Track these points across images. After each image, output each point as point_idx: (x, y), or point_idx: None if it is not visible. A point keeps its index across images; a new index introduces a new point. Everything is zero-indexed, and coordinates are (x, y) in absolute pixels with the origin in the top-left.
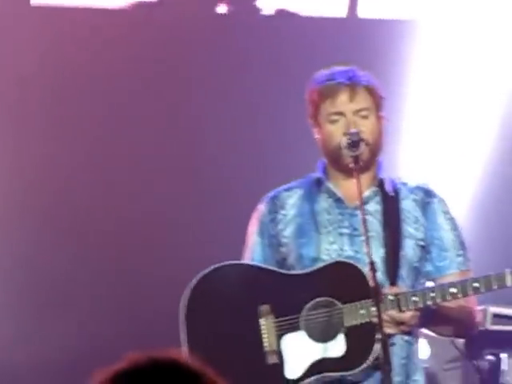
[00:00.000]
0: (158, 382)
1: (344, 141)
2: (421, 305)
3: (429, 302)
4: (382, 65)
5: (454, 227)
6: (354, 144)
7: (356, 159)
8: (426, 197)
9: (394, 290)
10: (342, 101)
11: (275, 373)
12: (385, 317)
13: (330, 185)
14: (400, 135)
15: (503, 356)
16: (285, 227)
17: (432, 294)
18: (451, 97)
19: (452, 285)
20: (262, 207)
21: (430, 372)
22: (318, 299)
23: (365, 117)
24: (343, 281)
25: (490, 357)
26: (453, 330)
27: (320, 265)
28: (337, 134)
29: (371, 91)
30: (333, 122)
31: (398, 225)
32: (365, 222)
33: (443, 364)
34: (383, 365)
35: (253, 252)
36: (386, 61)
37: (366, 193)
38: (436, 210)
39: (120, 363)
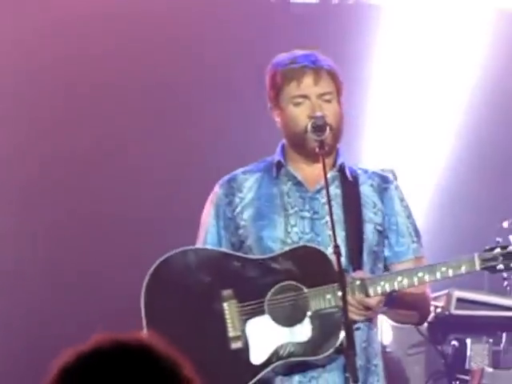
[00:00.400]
0: (121, 364)
1: (309, 124)
2: (388, 289)
3: (397, 287)
4: (347, 49)
5: (409, 214)
6: (320, 128)
7: (321, 144)
8: (383, 183)
9: (361, 274)
10: (307, 84)
11: (240, 358)
12: (352, 301)
13: (290, 168)
14: (364, 121)
15: (467, 341)
16: (243, 210)
17: (400, 279)
18: (416, 82)
19: (420, 269)
20: (217, 190)
21: (393, 357)
22: (282, 283)
23: (328, 101)
24: (308, 265)
25: (454, 342)
26: (409, 317)
27: (284, 249)
28: (301, 117)
29: (333, 76)
30: (297, 104)
31: (359, 209)
32: (330, 205)
33: (407, 349)
34: (347, 349)
35: (207, 234)
36: (351, 46)
37: (328, 178)
38: (393, 196)
39: (84, 345)
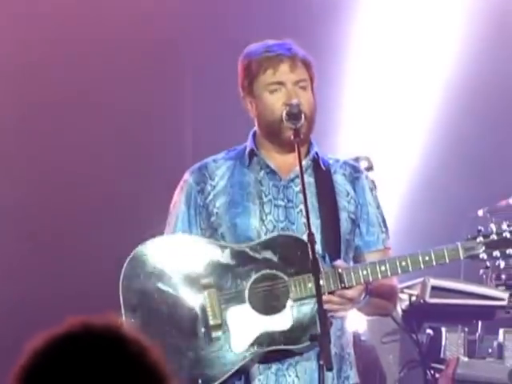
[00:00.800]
0: (90, 348)
1: (284, 112)
2: (371, 278)
3: (380, 276)
4: (323, 40)
5: (379, 204)
6: (295, 116)
7: (297, 132)
8: (354, 172)
9: (340, 263)
10: (283, 71)
11: (221, 346)
12: (334, 298)
13: (263, 157)
14: (340, 113)
15: (442, 330)
16: (215, 198)
17: (382, 268)
18: (390, 78)
19: (403, 259)
20: (189, 177)
21: (367, 345)
22: (262, 272)
23: (303, 88)
24: (288, 254)
25: (429, 330)
26: (380, 308)
27: (264, 237)
28: (277, 104)
29: (307, 65)
30: (272, 91)
31: (333, 197)
32: (305, 193)
33: (381, 337)
34: (321, 337)
35: (178, 221)
36: (327, 36)
37: (301, 166)
38: (364, 186)
39: (56, 328)
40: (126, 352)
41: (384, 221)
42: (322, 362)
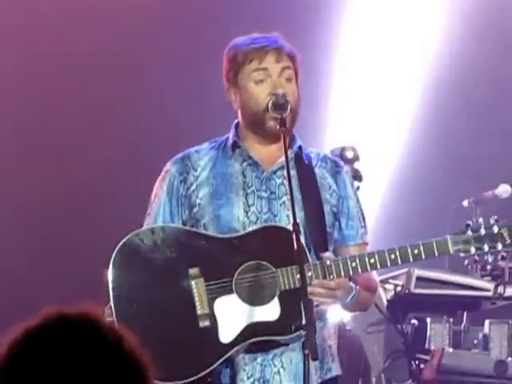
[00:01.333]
0: (65, 336)
1: (270, 102)
2: (359, 271)
3: (368, 268)
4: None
5: (358, 199)
6: (281, 106)
7: (282, 121)
8: (335, 166)
9: (329, 255)
10: (269, 61)
11: (208, 336)
12: (320, 289)
13: (246, 149)
14: (328, 105)
15: (427, 320)
16: (198, 188)
17: (372, 260)
18: (381, 66)
19: (392, 251)
20: (171, 168)
21: (352, 335)
22: (250, 262)
23: (288, 80)
24: (276, 244)
25: (414, 321)
26: (362, 302)
27: (251, 228)
28: (262, 94)
29: (293, 58)
30: (258, 82)
31: (316, 190)
32: (290, 183)
33: (366, 327)
34: (307, 326)
35: (160, 210)
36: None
37: (282, 158)
38: (345, 180)
39: (32, 320)
40: (102, 340)
41: (363, 216)
42: (307, 352)
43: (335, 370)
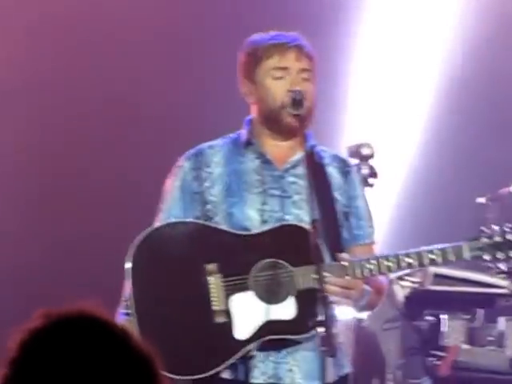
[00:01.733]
0: (73, 337)
1: (288, 98)
2: (375, 273)
3: (385, 271)
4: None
5: (366, 199)
6: (299, 102)
7: (299, 118)
8: (345, 166)
9: (345, 255)
10: (289, 58)
11: (223, 332)
12: (336, 289)
13: (259, 146)
14: (345, 100)
15: (443, 317)
16: (212, 185)
17: (387, 263)
18: (394, 69)
19: (407, 255)
20: (184, 163)
21: (368, 331)
22: (267, 260)
23: (307, 79)
24: (294, 243)
25: (430, 318)
26: (372, 303)
27: (269, 226)
28: (280, 90)
29: (311, 59)
30: (276, 78)
31: (329, 189)
32: (311, 180)
33: (382, 324)
34: (325, 323)
35: (172, 206)
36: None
37: (296, 156)
38: (354, 180)
39: (33, 322)
40: (111, 337)
41: (371, 215)
42: (324, 349)
43: (347, 367)
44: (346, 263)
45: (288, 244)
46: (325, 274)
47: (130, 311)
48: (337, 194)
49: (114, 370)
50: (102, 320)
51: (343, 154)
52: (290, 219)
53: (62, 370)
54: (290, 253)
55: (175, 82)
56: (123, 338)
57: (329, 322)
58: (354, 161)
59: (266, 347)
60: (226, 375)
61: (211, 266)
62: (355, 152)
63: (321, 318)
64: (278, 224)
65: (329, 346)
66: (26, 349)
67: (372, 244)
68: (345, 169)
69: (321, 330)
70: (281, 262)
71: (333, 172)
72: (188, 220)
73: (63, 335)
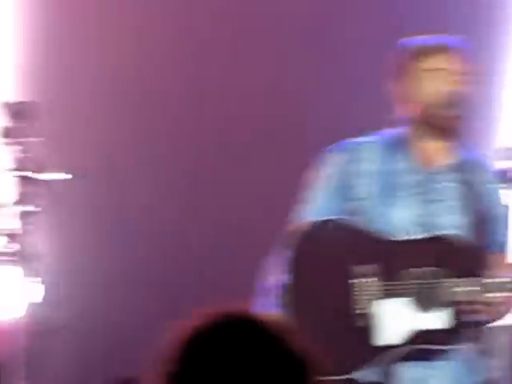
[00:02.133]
0: (235, 337)
1: (444, 99)
2: None
3: None
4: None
5: (507, 207)
6: (457, 103)
7: (456, 119)
8: (486, 171)
9: (497, 271)
10: (445, 59)
11: (364, 336)
12: (487, 307)
13: (413, 147)
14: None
15: None
16: (365, 182)
17: None
18: None
19: None
20: (339, 155)
21: None
22: (424, 269)
23: (462, 81)
24: (451, 254)
25: None
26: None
27: (424, 234)
28: (437, 90)
29: (467, 60)
30: (433, 78)
31: (478, 196)
32: (464, 186)
33: None
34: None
35: (319, 199)
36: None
37: (449, 160)
38: (495, 187)
39: (195, 320)
40: (269, 338)
41: (507, 225)
42: (481, 350)
43: (493, 372)
44: (507, 279)
45: (447, 254)
46: (479, 288)
47: (284, 300)
48: (483, 201)
49: (273, 372)
50: (261, 321)
51: (492, 156)
52: (445, 224)
53: (226, 369)
54: (450, 263)
55: (319, 82)
56: (283, 339)
57: (480, 335)
58: (502, 164)
59: (412, 355)
60: (365, 379)
61: (365, 269)
62: (504, 155)
63: (474, 331)
64: (433, 234)
65: (482, 349)
66: (192, 348)
67: (505, 253)
68: (486, 175)
69: (472, 342)
70: (439, 270)
71: (478, 178)
72: (342, 220)
73: (228, 336)
